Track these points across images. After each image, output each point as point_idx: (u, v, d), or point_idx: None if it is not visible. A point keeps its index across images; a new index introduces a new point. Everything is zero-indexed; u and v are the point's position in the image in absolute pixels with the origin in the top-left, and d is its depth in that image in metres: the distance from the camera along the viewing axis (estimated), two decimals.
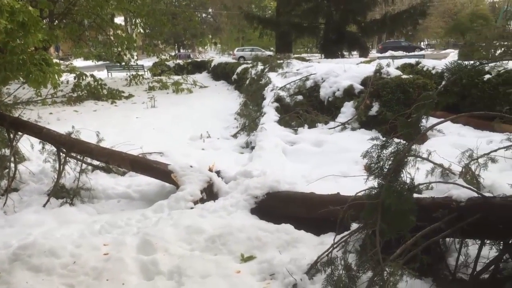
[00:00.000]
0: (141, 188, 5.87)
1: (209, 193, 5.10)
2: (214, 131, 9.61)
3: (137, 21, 19.75)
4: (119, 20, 26.25)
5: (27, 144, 6.46)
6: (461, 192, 2.93)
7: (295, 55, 25.16)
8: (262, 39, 36.41)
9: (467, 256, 3.11)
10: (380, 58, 18.30)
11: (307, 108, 9.30)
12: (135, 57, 21.79)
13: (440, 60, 13.29)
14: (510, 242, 2.85)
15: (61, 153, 5.72)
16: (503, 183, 3.78)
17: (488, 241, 2.97)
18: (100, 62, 26.36)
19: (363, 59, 18.67)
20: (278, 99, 9.74)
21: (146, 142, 7.73)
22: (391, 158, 2.76)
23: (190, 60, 33.12)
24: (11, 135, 5.86)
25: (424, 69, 11.12)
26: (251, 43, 48.74)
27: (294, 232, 3.90)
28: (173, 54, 36.96)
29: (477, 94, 8.86)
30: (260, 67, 14.02)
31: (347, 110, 8.86)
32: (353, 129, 8.42)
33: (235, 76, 18.11)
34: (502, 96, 8.40)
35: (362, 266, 2.76)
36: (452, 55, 28.93)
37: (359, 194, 3.10)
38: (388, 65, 9.52)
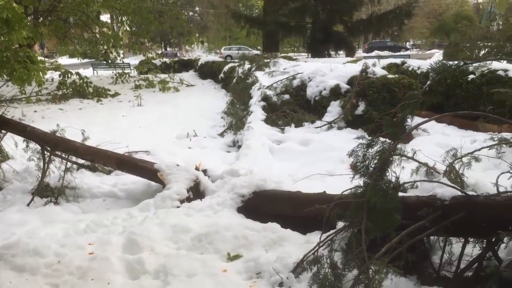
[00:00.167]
0: (127, 187, 5.83)
1: (196, 192, 5.08)
2: (201, 129, 9.59)
3: (123, 18, 19.55)
4: (105, 17, 25.99)
5: (11, 142, 6.38)
6: (445, 190, 2.96)
7: (282, 54, 25.15)
8: (249, 38, 36.37)
9: (451, 254, 3.15)
10: (366, 57, 18.44)
11: (294, 107, 9.33)
12: (121, 55, 21.63)
13: (425, 60, 13.41)
14: (493, 240, 2.89)
15: (45, 152, 5.65)
16: (487, 182, 3.84)
17: (471, 239, 3.01)
18: (86, 60, 26.15)
19: (349, 59, 18.75)
20: (265, 98, 9.76)
21: (132, 141, 7.68)
22: (377, 157, 2.78)
23: (177, 59, 33.00)
24: None
25: (410, 69, 11.23)
26: (238, 42, 48.67)
27: (280, 230, 3.90)
28: (159, 52, 36.75)
29: (461, 94, 8.97)
30: (247, 66, 14.03)
31: (334, 109, 8.91)
32: (339, 128, 8.47)
33: (222, 75, 18.09)
34: (485, 96, 8.51)
35: (348, 264, 2.78)
36: (437, 55, 29.20)
37: (345, 192, 3.12)
38: (374, 64, 9.58)
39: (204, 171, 5.67)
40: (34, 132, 5.76)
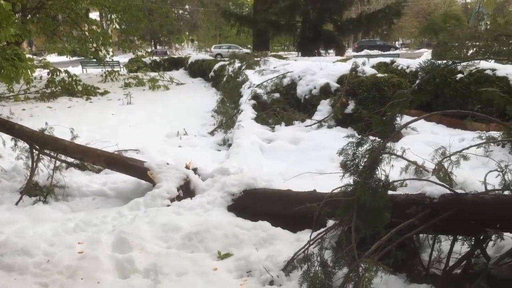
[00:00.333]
0: (116, 185, 5.80)
1: (186, 190, 5.07)
2: (191, 128, 9.55)
3: (113, 16, 19.44)
4: (94, 15, 25.83)
5: None
6: (434, 189, 2.99)
7: (272, 53, 25.16)
8: (239, 36, 36.31)
9: (440, 252, 3.18)
10: (356, 56, 18.47)
11: (284, 106, 9.35)
12: (111, 53, 21.49)
13: (414, 59, 13.48)
14: (481, 238, 2.92)
15: (34, 150, 5.60)
16: (475, 180, 3.88)
17: (460, 237, 3.04)
18: (75, 58, 25.86)
19: (339, 58, 18.83)
20: (255, 96, 9.76)
21: (122, 139, 7.64)
22: (367, 156, 2.79)
23: (166, 57, 32.86)
24: None
25: (399, 68, 11.30)
26: (228, 40, 48.59)
27: (271, 229, 3.91)
28: (149, 50, 36.50)
29: (450, 93, 9.04)
30: (237, 64, 14.03)
31: (324, 108, 8.94)
32: (329, 126, 8.50)
33: (212, 73, 18.05)
34: (474, 95, 8.59)
35: (338, 262, 2.79)
36: (426, 54, 29.38)
37: (335, 191, 3.13)
38: (363, 63, 9.62)
39: (195, 170, 5.65)
40: (23, 130, 5.71)
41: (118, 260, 3.40)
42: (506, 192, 3.11)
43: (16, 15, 13.54)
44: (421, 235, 3.26)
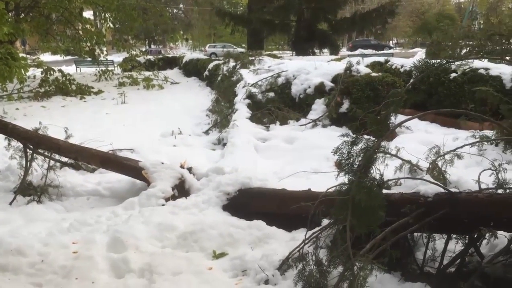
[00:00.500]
0: (111, 185, 5.78)
1: (181, 190, 5.06)
2: (185, 127, 9.53)
3: (107, 15, 19.37)
4: (88, 14, 25.70)
5: None
6: (429, 187, 3.00)
7: (267, 52, 25.15)
8: (234, 35, 36.33)
9: (434, 250, 3.20)
10: (350, 56, 18.54)
11: (279, 105, 9.36)
12: (105, 52, 21.42)
13: (408, 58, 13.53)
14: (475, 236, 2.94)
15: (28, 150, 5.57)
16: (469, 179, 3.90)
17: (454, 236, 3.06)
18: (69, 57, 25.81)
19: (333, 57, 18.88)
20: (250, 95, 9.76)
21: (116, 139, 7.61)
22: (361, 155, 2.80)
23: (161, 56, 32.71)
24: None
25: (393, 67, 11.33)
26: (223, 39, 48.56)
27: (266, 228, 3.91)
28: (143, 49, 36.44)
29: (444, 92, 9.08)
30: (231, 63, 14.00)
31: (318, 107, 8.96)
32: (324, 126, 8.52)
33: (206, 73, 18.02)
34: (467, 94, 8.63)
35: (333, 261, 2.80)
36: (420, 53, 29.51)
37: (330, 190, 3.14)
38: (358, 63, 9.64)
39: (189, 169, 5.64)
40: (16, 129, 5.68)
41: (113, 259, 3.39)
42: (499, 191, 3.13)
43: (9, 13, 13.47)
44: (415, 233, 3.27)
